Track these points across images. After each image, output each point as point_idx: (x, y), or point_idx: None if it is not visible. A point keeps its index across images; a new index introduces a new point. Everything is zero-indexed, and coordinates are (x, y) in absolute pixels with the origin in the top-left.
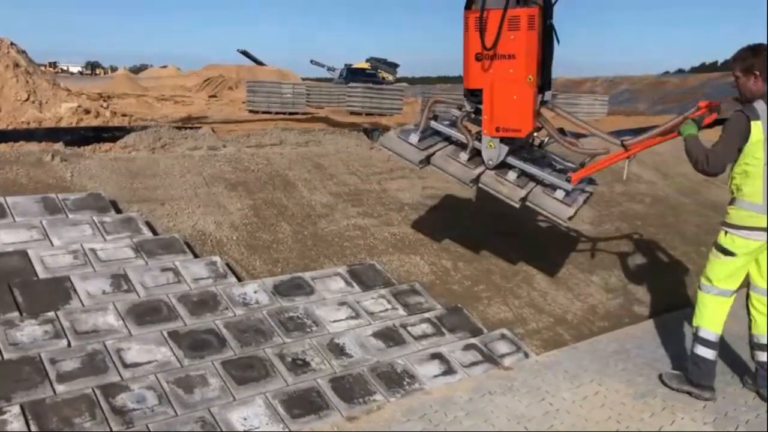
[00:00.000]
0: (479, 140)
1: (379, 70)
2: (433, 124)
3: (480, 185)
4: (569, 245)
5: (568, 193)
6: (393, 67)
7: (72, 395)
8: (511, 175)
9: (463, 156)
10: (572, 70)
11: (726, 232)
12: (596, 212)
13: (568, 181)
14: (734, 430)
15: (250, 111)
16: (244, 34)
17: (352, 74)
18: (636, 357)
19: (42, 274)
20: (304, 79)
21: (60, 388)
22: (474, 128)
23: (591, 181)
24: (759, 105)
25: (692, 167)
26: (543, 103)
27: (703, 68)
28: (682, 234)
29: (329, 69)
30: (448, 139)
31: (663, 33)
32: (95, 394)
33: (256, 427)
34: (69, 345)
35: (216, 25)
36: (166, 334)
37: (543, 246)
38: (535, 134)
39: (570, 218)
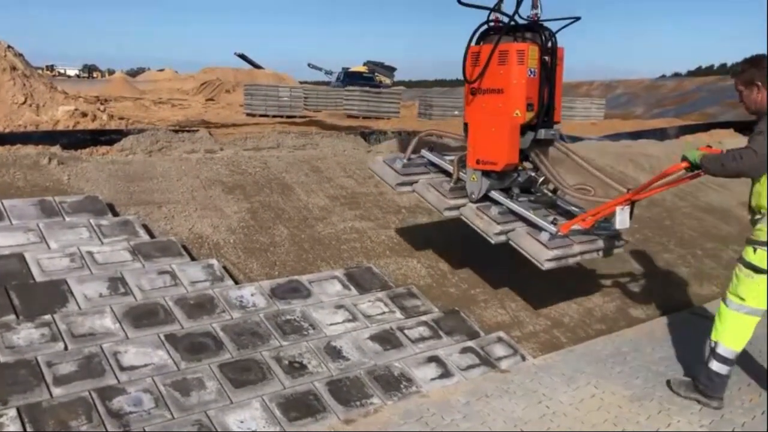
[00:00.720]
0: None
1: (376, 74)
2: (423, 152)
3: (461, 216)
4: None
5: (553, 237)
6: (390, 70)
7: (69, 398)
8: (494, 211)
9: (446, 185)
10: (569, 73)
11: (755, 249)
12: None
13: (554, 224)
14: (730, 430)
15: (248, 114)
16: (241, 37)
17: (349, 78)
18: (632, 360)
19: (39, 277)
20: (301, 83)
21: (57, 391)
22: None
23: (617, 237)
24: None
25: (728, 175)
26: (542, 141)
27: (700, 72)
28: (678, 237)
29: (326, 72)
30: (441, 169)
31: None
32: (92, 398)
33: (253, 430)
34: (66, 348)
35: (214, 28)
36: (163, 337)
37: None
38: (533, 173)
39: (548, 261)
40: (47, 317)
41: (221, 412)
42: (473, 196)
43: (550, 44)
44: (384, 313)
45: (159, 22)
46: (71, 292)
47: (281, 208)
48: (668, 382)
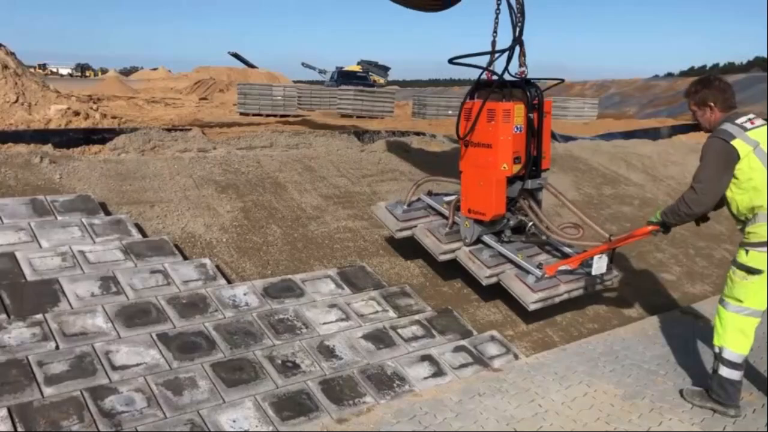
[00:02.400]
0: None
1: (370, 73)
2: (422, 197)
3: (457, 259)
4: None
5: (539, 279)
6: (384, 70)
7: (60, 398)
8: (485, 254)
9: (442, 230)
10: (562, 74)
11: (747, 251)
12: (585, 215)
13: (540, 267)
14: (722, 430)
15: (241, 113)
16: (235, 36)
17: (343, 77)
18: (624, 358)
19: (30, 277)
20: (295, 82)
21: (48, 390)
22: None
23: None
24: (726, 126)
25: (690, 219)
26: (531, 190)
27: (693, 72)
28: (670, 236)
29: (320, 72)
30: (440, 212)
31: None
32: (83, 397)
33: (246, 430)
34: (57, 347)
35: (207, 27)
36: (155, 337)
37: None
38: (523, 218)
39: (534, 303)
40: (38, 316)
41: (214, 412)
42: (466, 240)
43: (536, 100)
44: (377, 312)
45: (152, 20)
46: (63, 292)
47: (274, 207)
48: (681, 392)
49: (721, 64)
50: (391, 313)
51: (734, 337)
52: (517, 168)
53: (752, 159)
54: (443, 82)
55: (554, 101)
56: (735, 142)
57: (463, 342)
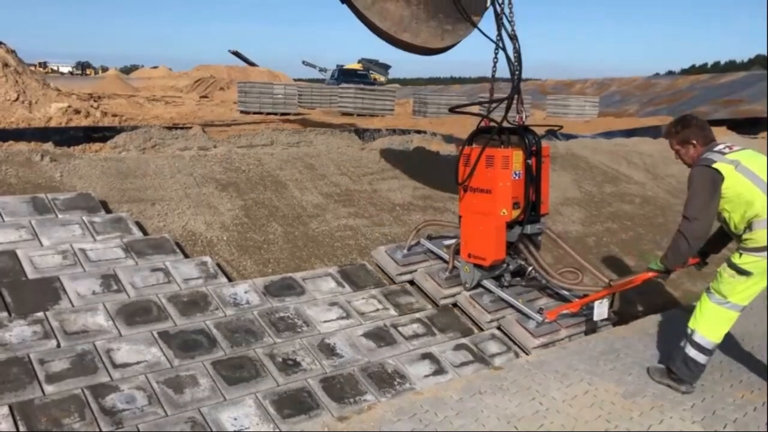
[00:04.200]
0: None
1: (370, 72)
2: (422, 241)
3: (458, 304)
4: (559, 246)
5: (539, 324)
6: (385, 68)
7: (61, 396)
8: (486, 299)
9: (443, 275)
10: (563, 72)
11: (741, 254)
12: (587, 213)
13: (540, 312)
14: (722, 428)
15: (242, 112)
16: (236, 35)
17: (343, 75)
18: (625, 356)
19: (31, 275)
20: (296, 80)
21: (49, 388)
22: None
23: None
24: (706, 155)
25: (691, 255)
26: (530, 235)
27: (693, 70)
28: (671, 234)
29: (321, 70)
30: (440, 256)
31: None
32: (84, 395)
33: (247, 428)
34: (58, 345)
35: (208, 25)
36: (156, 335)
37: None
38: (523, 262)
39: (535, 349)
40: (39, 314)
41: (215, 410)
42: (467, 285)
43: (534, 147)
44: (378, 310)
45: (153, 19)
46: (64, 290)
47: (275, 205)
48: (648, 369)
49: (722, 62)
50: (392, 311)
51: (708, 324)
52: (516, 213)
53: (736, 176)
54: (444, 81)
55: (555, 100)
56: (717, 165)
57: (463, 340)
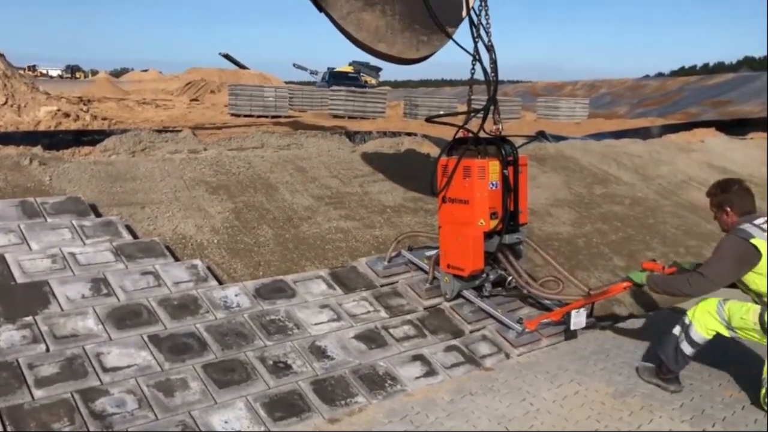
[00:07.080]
0: None
1: (362, 74)
2: (403, 252)
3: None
4: (549, 246)
5: (519, 334)
6: (376, 70)
7: (51, 400)
8: (466, 309)
9: (423, 286)
10: (553, 74)
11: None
12: (577, 214)
13: (520, 322)
14: (711, 428)
15: (233, 114)
16: (226, 38)
17: (335, 78)
18: (615, 357)
19: (20, 279)
20: (287, 83)
21: (38, 393)
22: None
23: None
24: (745, 226)
25: (680, 295)
26: (510, 245)
27: (683, 72)
28: (661, 235)
29: (312, 72)
30: (420, 267)
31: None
32: (74, 399)
33: (238, 430)
34: (47, 350)
35: (197, 28)
36: (146, 338)
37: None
38: (503, 272)
39: (517, 357)
40: (29, 319)
41: (205, 413)
42: (447, 296)
43: (511, 157)
44: (369, 312)
45: (143, 23)
46: (53, 294)
47: (265, 208)
48: (637, 368)
49: (711, 64)
50: (383, 313)
51: (705, 322)
52: (494, 223)
53: None
54: (434, 83)
55: (546, 102)
56: (755, 241)
57: (454, 341)
